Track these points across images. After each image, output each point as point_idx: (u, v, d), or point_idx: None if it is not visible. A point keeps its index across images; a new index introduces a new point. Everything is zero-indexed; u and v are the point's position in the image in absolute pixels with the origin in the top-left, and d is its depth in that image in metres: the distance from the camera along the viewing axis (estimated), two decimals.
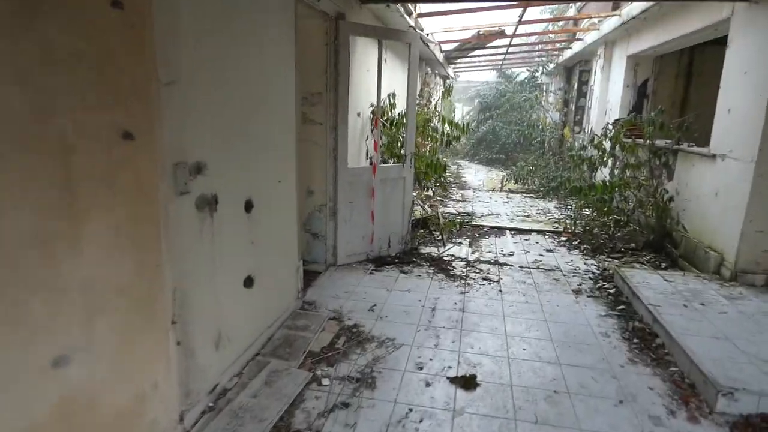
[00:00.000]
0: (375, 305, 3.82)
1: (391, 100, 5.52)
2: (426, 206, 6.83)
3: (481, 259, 5.16)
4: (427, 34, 7.69)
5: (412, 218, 6.19)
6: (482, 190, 9.83)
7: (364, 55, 5.24)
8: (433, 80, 12.30)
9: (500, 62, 13.20)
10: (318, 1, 3.76)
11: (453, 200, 8.56)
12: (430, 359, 3.02)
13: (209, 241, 2.35)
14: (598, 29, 8.13)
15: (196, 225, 2.23)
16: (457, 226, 6.01)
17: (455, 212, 7.46)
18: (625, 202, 6.02)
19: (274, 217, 3.16)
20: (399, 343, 3.19)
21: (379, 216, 4.89)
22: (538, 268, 4.91)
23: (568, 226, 6.21)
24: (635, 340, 3.34)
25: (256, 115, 2.83)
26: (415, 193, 7.51)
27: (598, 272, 4.80)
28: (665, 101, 7.52)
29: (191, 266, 2.20)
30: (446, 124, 5.73)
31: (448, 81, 16.06)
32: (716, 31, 5.08)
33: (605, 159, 6.14)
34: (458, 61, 12.92)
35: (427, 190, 5.91)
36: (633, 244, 5.63)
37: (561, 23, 11.74)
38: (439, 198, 8.51)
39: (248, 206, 2.77)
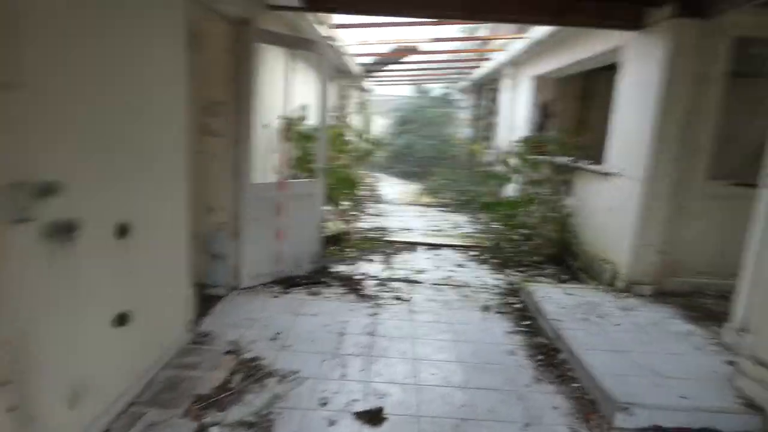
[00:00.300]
0: (279, 333, 3.53)
1: (302, 112, 5.28)
2: (339, 222, 6.64)
3: (394, 276, 5.05)
4: (343, 47, 7.57)
5: (325, 235, 5.97)
6: (398, 203, 9.85)
7: (275, 63, 4.97)
8: (350, 93, 12.22)
9: (416, 77, 13.44)
10: (216, 3, 3.46)
11: (368, 215, 8.46)
12: (336, 393, 2.80)
13: (64, 277, 1.97)
14: (506, 50, 8.51)
15: (44, 258, 1.85)
16: (372, 242, 5.87)
17: (369, 227, 7.35)
18: (531, 217, 6.26)
19: (157, 242, 2.80)
20: (303, 377, 2.95)
21: (287, 234, 4.61)
22: (448, 284, 4.90)
23: (478, 241, 6.32)
24: (540, 357, 3.38)
25: (133, 126, 2.47)
26: (329, 208, 7.29)
27: (506, 287, 4.89)
28: (566, 121, 8.01)
29: (36, 309, 1.82)
30: (359, 139, 5.60)
31: (365, 94, 16.09)
32: (610, 58, 5.45)
33: (512, 175, 6.36)
34: (376, 74, 12.97)
35: (341, 206, 5.73)
36: (537, 258, 5.84)
37: (473, 42, 12.21)
38: (354, 213, 8.37)
39: (122, 231, 2.40)
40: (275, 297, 4.24)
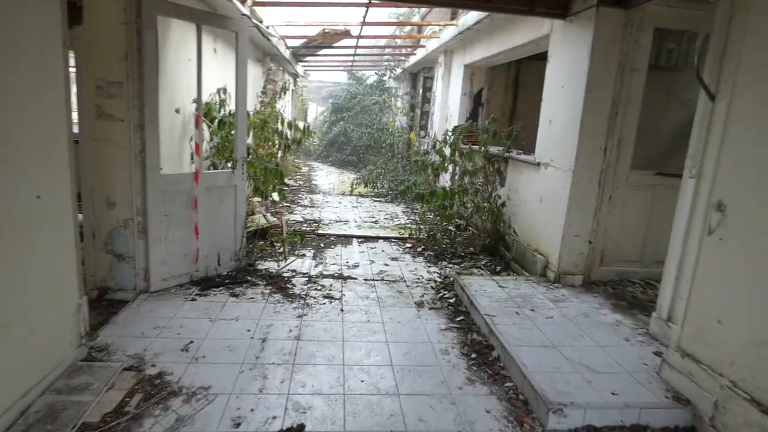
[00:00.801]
0: (191, 342, 3.16)
1: (221, 96, 4.83)
2: (268, 215, 6.25)
3: (325, 272, 4.78)
4: (267, 27, 7.08)
5: (252, 229, 5.58)
6: (332, 194, 9.54)
7: (186, 41, 4.48)
8: (280, 77, 11.67)
9: (350, 63, 13.09)
10: None
11: (301, 206, 8.10)
12: (252, 410, 2.51)
13: None
14: (439, 38, 8.38)
15: None
16: (301, 237, 5.55)
17: (302, 219, 7.01)
18: (465, 208, 6.20)
19: (27, 247, 2.34)
20: (214, 393, 2.62)
21: (205, 230, 4.20)
22: (382, 279, 4.70)
23: (413, 233, 6.19)
24: (473, 355, 3.26)
25: None
26: (258, 200, 6.87)
27: (440, 280, 4.77)
28: (497, 110, 8.04)
29: None
30: (286, 126, 5.22)
31: (297, 79, 15.52)
32: (538, 47, 5.44)
33: (446, 165, 6.26)
34: (307, 59, 12.47)
35: (269, 198, 5.36)
36: (472, 249, 5.79)
37: (407, 29, 12.04)
38: (286, 204, 7.97)
39: None
40: (191, 300, 3.84)
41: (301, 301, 3.99)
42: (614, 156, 4.25)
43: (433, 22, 8.08)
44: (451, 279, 4.69)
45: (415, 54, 10.99)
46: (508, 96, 8.40)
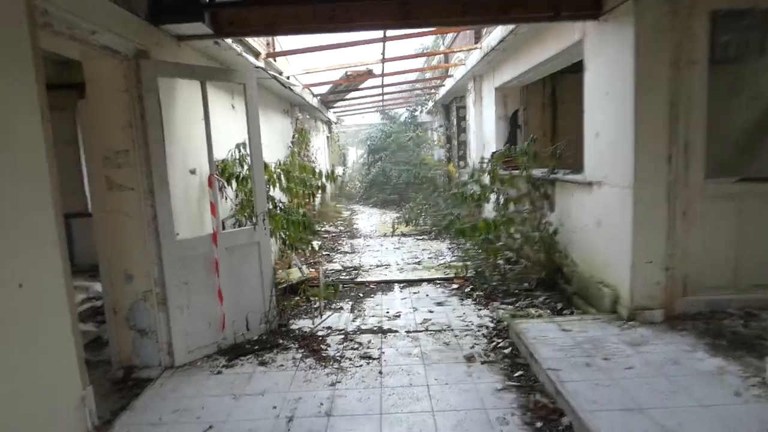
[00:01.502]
0: (210, 429, 2.79)
1: (241, 151, 4.66)
2: (304, 267, 5.95)
3: (363, 327, 4.34)
4: (288, 77, 7.03)
5: (285, 284, 5.27)
6: (374, 236, 9.19)
7: (197, 99, 4.37)
8: (313, 126, 11.72)
9: (380, 103, 13.03)
10: (92, 35, 2.84)
11: (341, 252, 7.78)
12: None
13: None
14: (465, 64, 8.06)
15: None
16: (336, 288, 5.14)
17: (341, 268, 6.66)
18: (513, 239, 5.63)
19: (15, 344, 2.08)
20: None
21: (229, 294, 3.91)
22: (426, 330, 4.20)
23: (458, 272, 5.66)
24: (539, 424, 2.67)
25: None
26: (293, 254, 6.60)
27: (493, 325, 4.20)
28: (536, 131, 7.50)
29: None
30: (309, 174, 4.97)
31: (331, 126, 15.66)
32: (571, 56, 4.96)
33: (487, 194, 5.76)
34: (337, 104, 12.53)
35: (301, 250, 5.06)
36: (526, 284, 5.18)
37: (434, 62, 11.86)
38: (324, 252, 7.68)
39: None
40: (217, 374, 3.50)
41: (336, 365, 3.55)
42: (682, 165, 3.63)
43: (457, 48, 7.78)
44: (505, 324, 4.11)
45: (444, 85, 10.73)
46: (547, 114, 7.87)
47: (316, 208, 10.56)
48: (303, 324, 4.47)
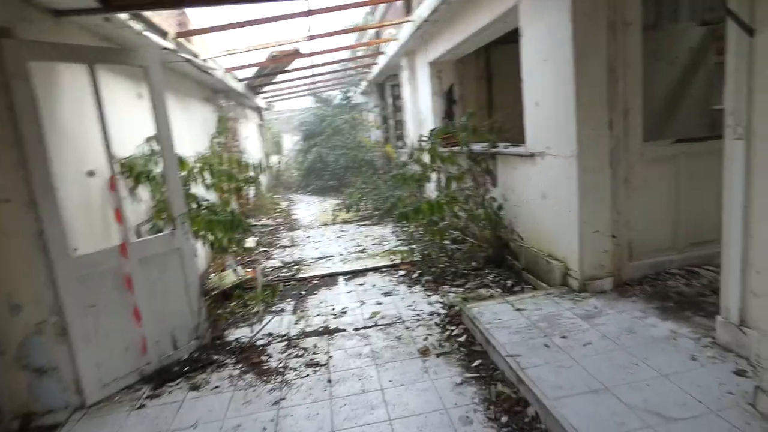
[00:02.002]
0: None
1: (152, 147, 4.10)
2: (239, 268, 5.47)
3: (307, 329, 3.99)
4: (204, 60, 6.39)
5: (219, 290, 4.81)
6: (314, 226, 8.77)
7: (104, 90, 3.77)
8: (241, 114, 10.99)
9: (312, 86, 12.45)
10: None
11: (280, 247, 7.32)
12: None
13: None
14: (397, 39, 7.73)
15: None
16: (275, 290, 4.69)
17: (281, 264, 6.23)
18: (457, 218, 5.45)
19: None
20: None
21: (149, 311, 3.42)
22: (376, 324, 3.92)
23: (405, 257, 5.42)
24: (504, 419, 2.47)
25: None
26: (228, 256, 6.08)
27: (445, 312, 4.00)
28: (473, 105, 7.36)
29: None
30: (231, 166, 4.47)
31: (263, 113, 14.89)
32: (506, 24, 4.76)
33: (428, 174, 5.52)
34: (266, 89, 11.83)
35: (233, 250, 4.58)
36: (475, 263, 5.03)
37: (365, 38, 11.44)
38: (262, 249, 7.19)
39: None
40: (138, 408, 3.03)
41: (279, 379, 3.19)
42: (622, 130, 3.52)
43: (387, 22, 7.41)
44: (457, 308, 3.92)
45: (376, 63, 10.35)
46: (482, 88, 7.73)
47: (251, 202, 9.95)
48: (241, 333, 4.05)
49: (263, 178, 13.03)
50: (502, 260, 4.94)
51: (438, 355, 3.25)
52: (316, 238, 7.64)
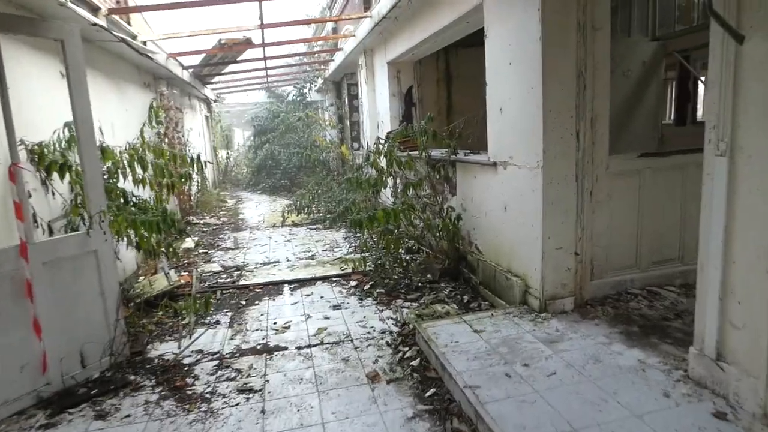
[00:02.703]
0: None
1: (65, 133, 3.55)
2: (171, 272, 4.93)
3: (243, 346, 3.57)
4: (144, 42, 5.80)
5: (146, 297, 4.29)
6: (262, 228, 8.26)
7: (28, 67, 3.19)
8: (186, 104, 10.28)
9: (265, 79, 11.88)
10: None
11: (222, 249, 6.78)
12: None
13: None
14: (355, 35, 7.40)
15: None
16: (208, 301, 4.15)
17: (221, 268, 5.72)
18: (413, 227, 5.17)
19: None
20: None
21: (53, 323, 2.90)
22: (322, 343, 3.55)
23: (357, 266, 5.07)
24: None
25: None
26: (163, 259, 5.51)
27: (397, 329, 3.69)
28: (431, 108, 7.15)
29: None
30: (164, 159, 3.95)
31: (213, 104, 14.14)
32: (470, 24, 4.54)
33: (384, 179, 5.21)
34: (215, 80, 11.17)
35: (159, 255, 4.03)
36: (430, 276, 4.75)
37: (323, 32, 11.02)
38: (202, 251, 6.63)
39: None
40: None
41: (204, 407, 2.76)
42: (589, 141, 3.35)
43: (345, 16, 7.06)
44: (411, 326, 3.61)
45: (333, 60, 9.97)
46: (442, 91, 7.55)
47: (193, 198, 9.28)
48: (166, 348, 3.57)
49: (209, 174, 12.32)
50: (458, 273, 4.70)
51: (389, 382, 2.92)
52: (262, 241, 7.15)
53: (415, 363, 3.10)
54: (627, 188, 3.56)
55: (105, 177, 3.91)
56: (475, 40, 5.89)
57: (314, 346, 3.51)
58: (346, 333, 3.70)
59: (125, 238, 3.58)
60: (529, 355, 2.84)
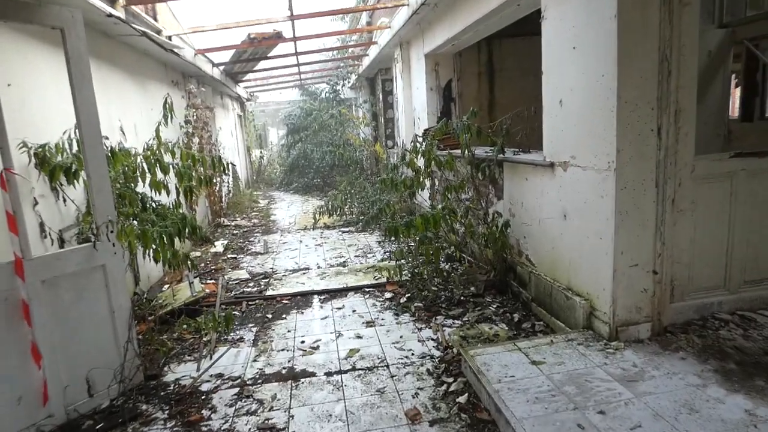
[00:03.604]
0: None
1: (70, 135, 3.26)
2: (196, 280, 4.63)
3: (267, 370, 3.20)
4: (169, 37, 5.54)
5: (168, 309, 4.01)
6: (293, 230, 7.95)
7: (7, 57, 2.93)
8: (219, 103, 10.10)
9: (298, 76, 11.61)
10: None
11: (251, 254, 6.49)
12: None
13: None
14: (390, 27, 6.95)
15: None
16: (225, 323, 3.69)
17: (248, 276, 5.41)
18: (455, 233, 4.70)
19: None
20: None
21: (55, 349, 2.61)
22: (354, 368, 3.14)
23: (392, 275, 4.65)
24: None
25: None
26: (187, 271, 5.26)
27: (439, 354, 3.23)
28: (472, 103, 6.64)
29: None
30: (183, 162, 3.62)
31: (244, 104, 14.01)
32: (520, 7, 4.03)
33: (422, 180, 4.75)
34: (247, 77, 10.97)
35: (181, 265, 3.71)
36: (473, 288, 4.28)
37: (357, 25, 10.64)
38: (231, 256, 6.36)
39: None
40: None
41: None
42: (673, 138, 2.79)
43: (381, 5, 6.62)
44: (455, 351, 3.16)
45: (367, 54, 9.57)
46: (483, 85, 7.02)
47: (224, 200, 9.08)
48: (185, 370, 3.24)
49: (241, 174, 12.18)
50: (505, 286, 4.20)
51: (432, 423, 2.48)
52: (293, 245, 6.82)
53: (462, 399, 2.64)
54: (715, 194, 2.97)
55: (121, 181, 3.62)
56: (523, 29, 5.36)
57: (345, 372, 3.10)
58: (380, 356, 3.27)
59: (141, 249, 3.26)
60: (603, 398, 2.34)
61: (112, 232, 2.85)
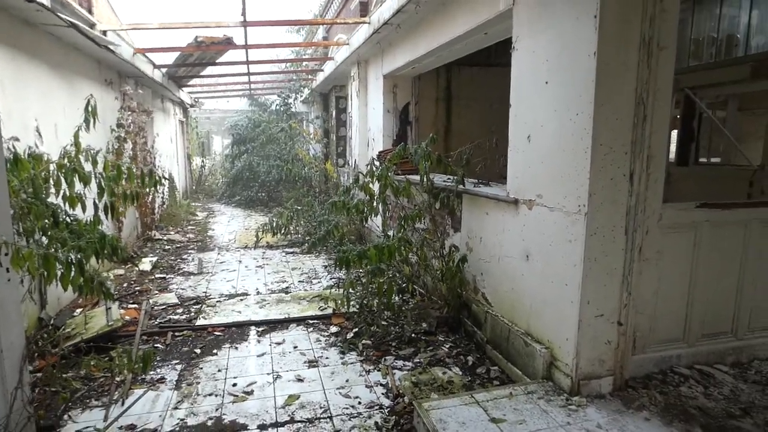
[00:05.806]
0: None
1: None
2: (114, 306, 4.05)
3: (190, 421, 2.75)
4: (104, 32, 5.00)
5: (75, 342, 3.44)
6: (232, 248, 7.40)
7: None
8: (158, 106, 9.41)
9: (247, 86, 11.11)
10: None
11: (183, 274, 5.91)
12: None
13: None
14: (348, 44, 6.73)
15: None
16: (143, 362, 3.17)
17: (177, 301, 4.86)
18: (407, 264, 4.44)
19: None
20: None
21: None
22: (292, 420, 2.76)
23: (339, 306, 4.31)
24: None
25: None
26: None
27: (389, 404, 2.92)
28: (429, 128, 6.51)
29: None
30: (106, 173, 3.13)
31: (187, 109, 13.27)
32: (487, 36, 3.91)
33: (376, 206, 4.48)
34: (192, 82, 10.36)
35: (94, 293, 3.18)
36: (425, 324, 4.02)
37: (312, 37, 10.35)
38: (159, 276, 5.75)
39: None
40: None
41: None
42: (644, 185, 2.69)
43: (340, 20, 6.38)
44: (407, 401, 2.86)
45: (323, 70, 9.29)
46: (441, 111, 6.92)
47: (157, 211, 8.37)
48: (89, 419, 2.73)
49: (179, 183, 11.41)
50: (459, 324, 3.98)
51: None
52: (231, 265, 6.31)
53: None
54: (680, 244, 2.90)
55: (28, 192, 3.07)
56: (481, 59, 5.31)
57: (282, 425, 2.71)
58: (323, 405, 2.91)
59: (45, 274, 2.73)
60: None
61: (6, 254, 2.34)
